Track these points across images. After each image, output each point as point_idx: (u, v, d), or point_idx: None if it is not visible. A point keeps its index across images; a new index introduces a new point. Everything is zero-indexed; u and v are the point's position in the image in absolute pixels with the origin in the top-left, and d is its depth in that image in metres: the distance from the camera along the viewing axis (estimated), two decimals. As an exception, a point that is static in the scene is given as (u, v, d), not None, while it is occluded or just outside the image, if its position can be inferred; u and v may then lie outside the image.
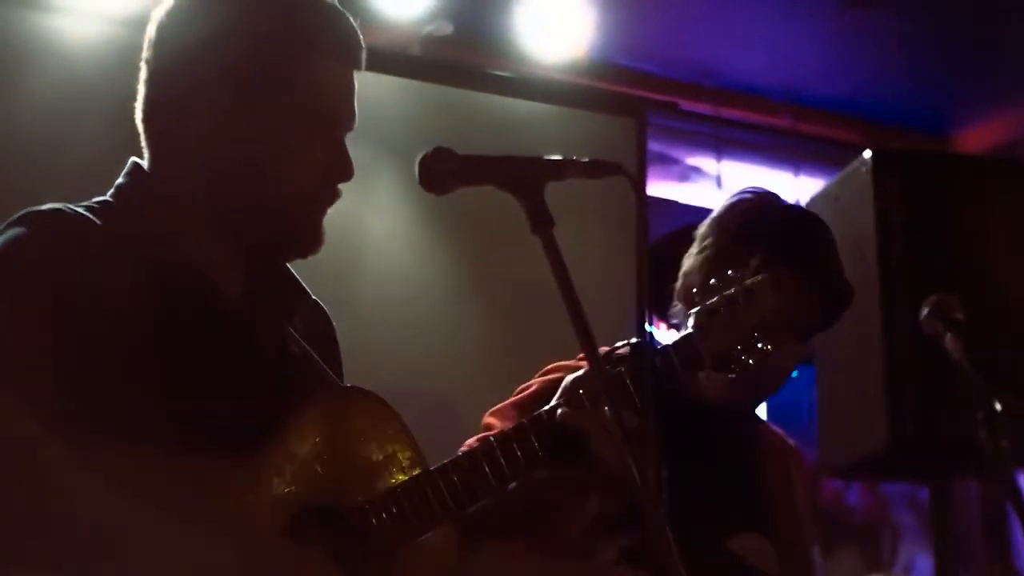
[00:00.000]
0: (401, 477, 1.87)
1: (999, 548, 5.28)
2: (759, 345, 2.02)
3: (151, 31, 1.92)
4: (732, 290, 2.04)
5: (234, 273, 1.91)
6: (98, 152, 4.05)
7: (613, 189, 1.81)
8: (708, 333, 2.02)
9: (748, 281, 2.04)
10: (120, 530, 1.56)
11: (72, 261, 1.71)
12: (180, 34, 1.89)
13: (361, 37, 1.97)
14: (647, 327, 1.97)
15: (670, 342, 2.04)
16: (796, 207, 2.66)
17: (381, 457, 1.87)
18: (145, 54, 1.93)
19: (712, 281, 2.06)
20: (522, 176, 1.69)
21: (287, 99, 1.87)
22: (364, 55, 1.97)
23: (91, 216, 1.79)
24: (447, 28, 4.84)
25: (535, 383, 2.43)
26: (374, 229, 4.45)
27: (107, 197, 1.89)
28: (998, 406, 2.21)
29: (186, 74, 1.87)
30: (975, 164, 4.33)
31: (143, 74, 1.94)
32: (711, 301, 2.04)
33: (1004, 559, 5.30)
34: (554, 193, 1.69)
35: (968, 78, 5.53)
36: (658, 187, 5.77)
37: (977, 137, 5.93)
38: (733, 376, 2.07)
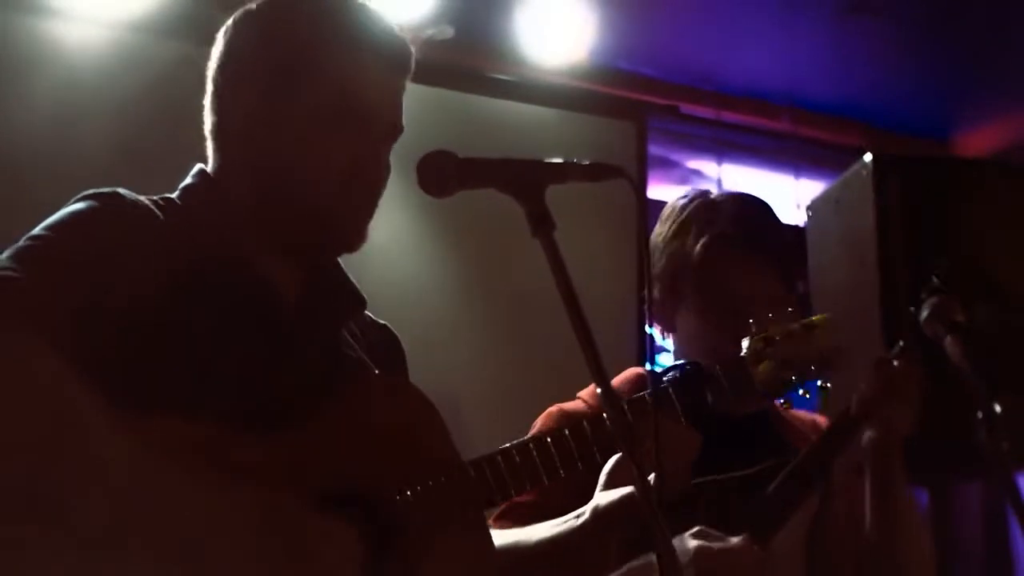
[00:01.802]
0: (432, 466, 1.87)
1: (999, 551, 5.28)
2: (818, 383, 2.08)
3: (216, 42, 2.03)
4: (791, 324, 2.09)
5: (292, 277, 1.97)
6: (98, 155, 4.06)
7: (614, 192, 1.82)
8: (761, 360, 2.05)
9: (809, 319, 2.10)
10: (132, 478, 1.58)
11: (132, 233, 1.79)
12: (226, 48, 2.00)
13: (405, 43, 2.02)
14: (648, 329, 1.99)
15: (719, 365, 2.05)
16: (733, 192, 2.70)
17: (416, 450, 1.88)
18: (212, 63, 2.03)
19: (771, 314, 2.10)
20: (523, 179, 1.69)
21: (310, 96, 1.92)
22: (409, 62, 2.02)
23: (151, 206, 1.87)
24: (448, 32, 4.85)
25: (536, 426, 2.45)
26: (373, 231, 4.45)
27: (173, 196, 1.96)
28: (998, 408, 2.21)
29: (227, 83, 1.97)
30: (975, 168, 4.31)
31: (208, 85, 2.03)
32: (767, 331, 2.08)
33: (1004, 562, 5.30)
34: (555, 196, 1.69)
35: (968, 82, 5.53)
36: (659, 190, 5.77)
37: (977, 141, 5.93)
38: (781, 401, 2.09)
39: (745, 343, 2.07)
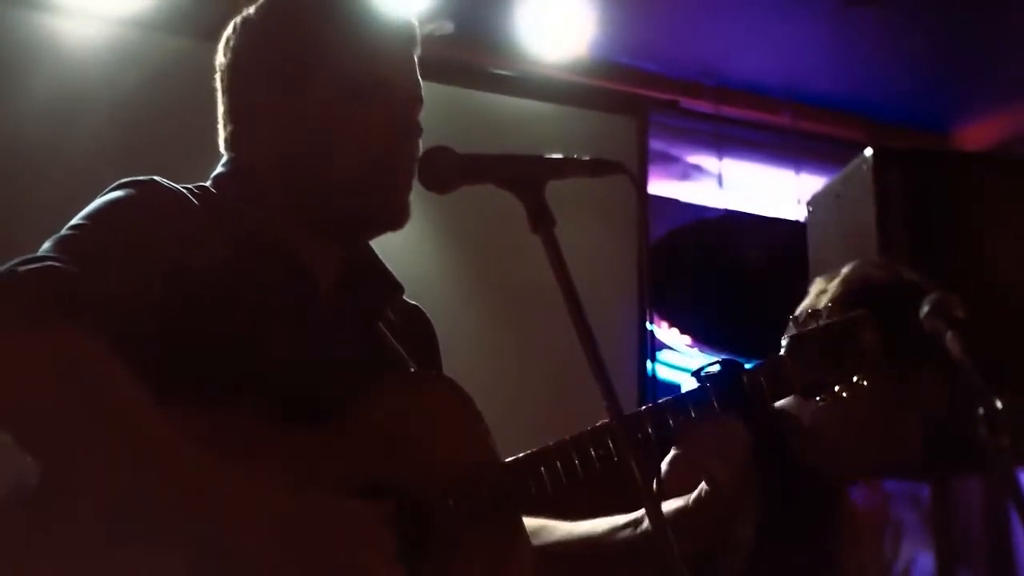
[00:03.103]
0: (470, 464, 1.86)
1: (1000, 546, 5.28)
2: (855, 379, 2.02)
3: (220, 50, 2.03)
4: (830, 320, 2.04)
5: (329, 264, 1.98)
6: (97, 152, 4.06)
7: (614, 187, 1.82)
8: (801, 359, 2.00)
9: (849, 314, 2.05)
10: (170, 467, 1.59)
11: (171, 220, 1.82)
12: (240, 44, 2.01)
13: (408, 17, 2.05)
14: (648, 325, 1.97)
15: (758, 364, 2.02)
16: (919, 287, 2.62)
17: (452, 442, 1.87)
18: (217, 71, 2.03)
19: (809, 311, 2.06)
20: (523, 175, 1.69)
21: (332, 72, 1.93)
22: (416, 33, 2.05)
23: (187, 193, 1.90)
24: (448, 27, 4.84)
25: None
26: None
27: (206, 183, 1.98)
28: (999, 404, 2.20)
29: (241, 89, 1.99)
30: (976, 161, 4.33)
31: (218, 91, 2.03)
32: (807, 328, 2.04)
33: (1005, 557, 5.30)
34: (555, 191, 1.69)
35: (969, 75, 5.53)
36: (659, 185, 5.77)
37: (978, 134, 5.93)
38: (823, 403, 2.05)
39: (784, 341, 2.03)
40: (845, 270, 2.57)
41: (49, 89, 4.17)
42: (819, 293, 2.57)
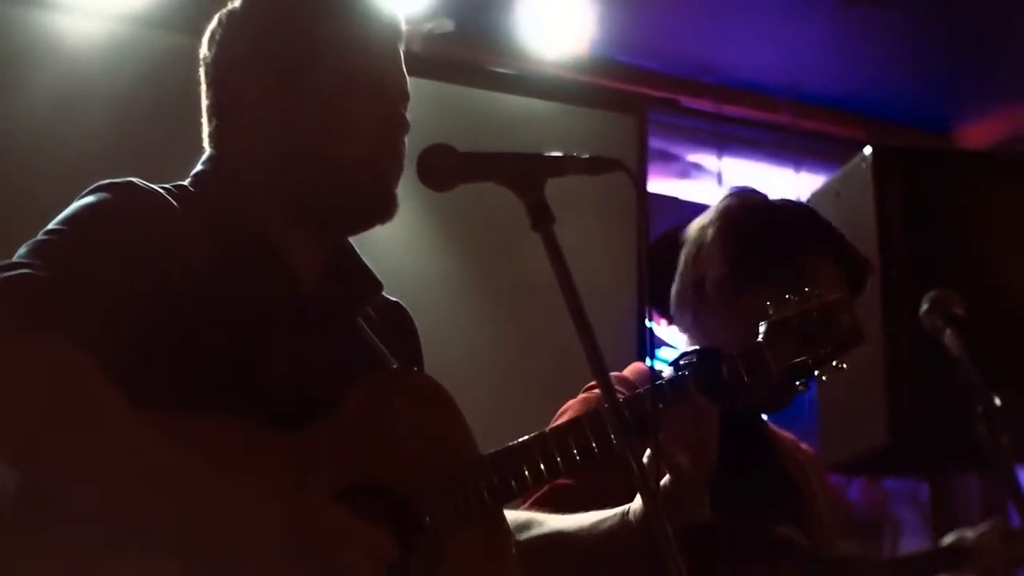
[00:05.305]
0: (452, 461, 1.87)
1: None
2: (833, 362, 2.03)
3: (204, 44, 2.02)
4: (808, 304, 2.04)
5: (312, 261, 1.97)
6: (96, 149, 4.06)
7: (614, 185, 1.82)
8: (779, 344, 2.00)
9: (826, 298, 2.05)
10: (157, 476, 1.58)
11: (150, 223, 1.80)
12: (227, 38, 2.00)
13: (393, 10, 2.05)
14: (647, 323, 1.96)
15: (737, 350, 2.02)
16: (795, 201, 2.67)
17: (433, 440, 1.88)
18: (201, 65, 2.03)
19: (788, 296, 2.06)
20: (523, 172, 1.70)
21: (327, 68, 1.94)
22: (401, 27, 2.05)
23: (164, 193, 1.88)
24: (448, 25, 4.84)
25: (571, 408, 2.39)
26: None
27: (184, 182, 1.96)
28: (998, 401, 2.21)
29: (234, 71, 1.97)
30: (976, 160, 4.33)
31: (202, 85, 2.03)
32: (784, 313, 2.03)
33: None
34: (555, 189, 1.69)
35: (969, 74, 5.52)
36: (659, 184, 5.76)
37: (978, 133, 5.92)
38: (800, 387, 2.06)
39: (762, 327, 2.03)
40: (719, 206, 2.64)
41: (48, 86, 4.17)
42: (701, 228, 2.63)
